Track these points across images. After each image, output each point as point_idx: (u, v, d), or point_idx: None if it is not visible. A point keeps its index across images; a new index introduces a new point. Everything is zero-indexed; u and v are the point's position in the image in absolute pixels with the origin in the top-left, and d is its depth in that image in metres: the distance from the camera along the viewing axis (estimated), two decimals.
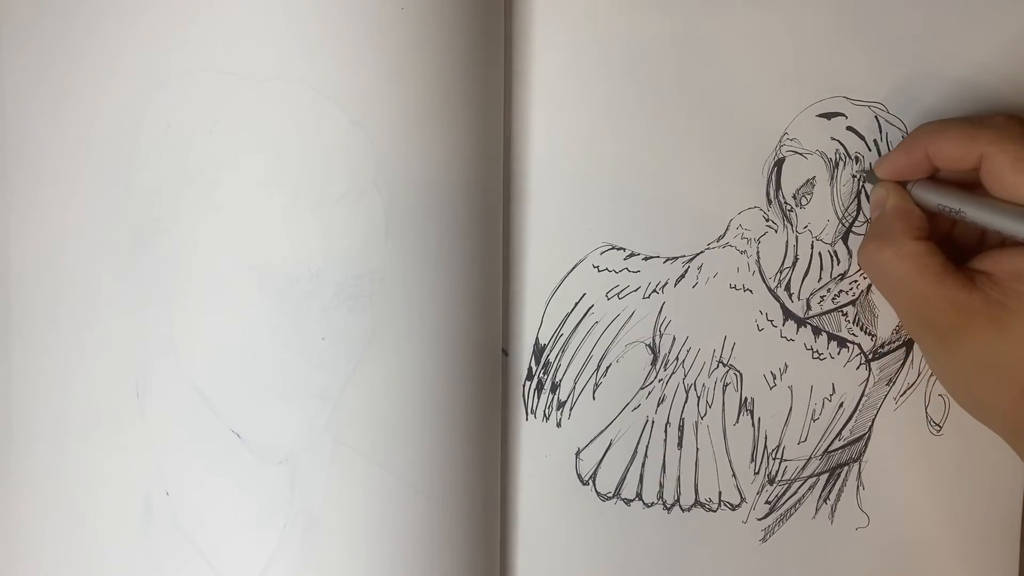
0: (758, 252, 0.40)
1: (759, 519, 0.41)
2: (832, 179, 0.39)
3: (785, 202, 0.40)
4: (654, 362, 0.40)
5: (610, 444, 0.40)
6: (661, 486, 0.40)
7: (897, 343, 0.40)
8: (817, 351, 0.40)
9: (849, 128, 0.39)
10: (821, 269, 0.40)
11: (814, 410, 0.40)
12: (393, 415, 0.36)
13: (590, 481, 0.41)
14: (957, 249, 0.37)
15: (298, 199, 0.34)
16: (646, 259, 0.40)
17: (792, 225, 0.40)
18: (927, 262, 0.34)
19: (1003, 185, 0.33)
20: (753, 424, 0.40)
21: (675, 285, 0.40)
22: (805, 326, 0.40)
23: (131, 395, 0.37)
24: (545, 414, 0.41)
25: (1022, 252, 0.33)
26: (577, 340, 0.40)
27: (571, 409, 0.41)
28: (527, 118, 0.39)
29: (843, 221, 0.40)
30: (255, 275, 0.35)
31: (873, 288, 0.40)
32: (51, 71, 0.36)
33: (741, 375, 0.40)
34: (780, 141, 0.39)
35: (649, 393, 0.40)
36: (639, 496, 0.41)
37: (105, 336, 0.37)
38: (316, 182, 0.34)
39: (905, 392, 0.41)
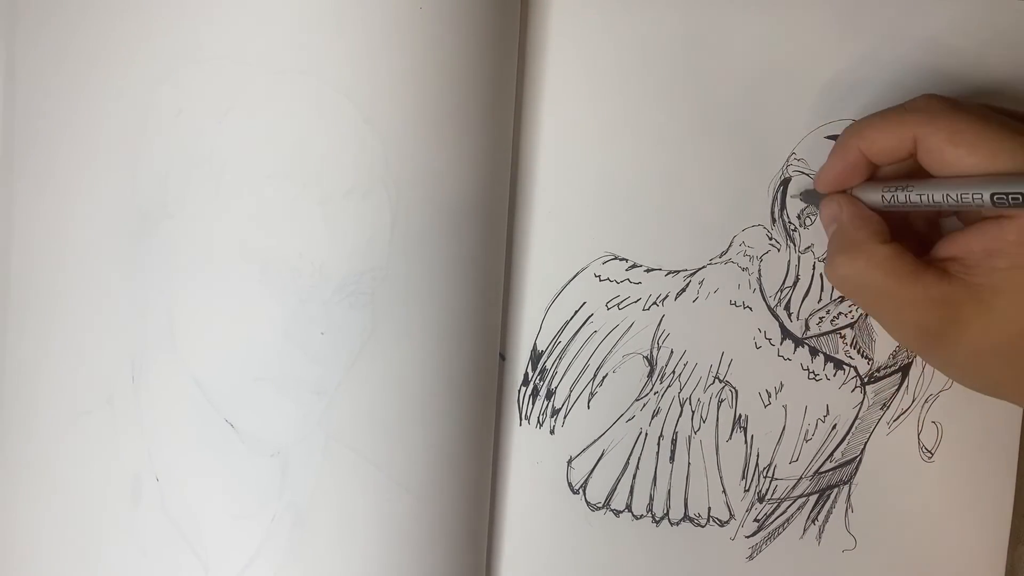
0: (760, 270, 0.40)
1: (747, 536, 0.41)
2: None
3: (789, 222, 0.40)
4: (650, 374, 0.40)
5: (602, 454, 0.40)
6: (651, 499, 0.40)
7: (893, 368, 0.40)
8: (813, 372, 0.40)
9: None
10: (821, 290, 0.40)
11: (807, 430, 0.41)
12: (388, 413, 0.36)
13: (580, 490, 0.41)
14: (911, 247, 0.36)
15: (305, 193, 0.34)
16: (648, 271, 0.40)
17: (795, 245, 0.40)
18: (899, 263, 0.33)
19: (943, 161, 0.32)
20: (746, 441, 0.40)
21: (675, 299, 0.40)
22: (803, 346, 0.40)
23: (127, 379, 0.36)
24: (539, 420, 0.41)
25: (987, 226, 0.33)
26: (575, 348, 0.40)
27: (565, 417, 0.40)
28: (537, 124, 0.40)
29: None
30: (257, 266, 0.35)
31: None
32: (66, 52, 0.36)
33: (736, 392, 0.40)
34: (787, 161, 0.40)
35: (644, 405, 0.40)
36: (628, 508, 0.41)
37: (104, 318, 0.37)
38: (324, 177, 0.34)
39: (899, 417, 0.41)
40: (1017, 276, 0.32)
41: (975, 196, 0.31)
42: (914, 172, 0.35)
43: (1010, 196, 0.30)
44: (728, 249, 0.40)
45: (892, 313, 0.34)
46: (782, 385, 0.40)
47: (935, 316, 0.33)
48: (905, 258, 0.33)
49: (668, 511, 0.40)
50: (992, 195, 0.30)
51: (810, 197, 0.39)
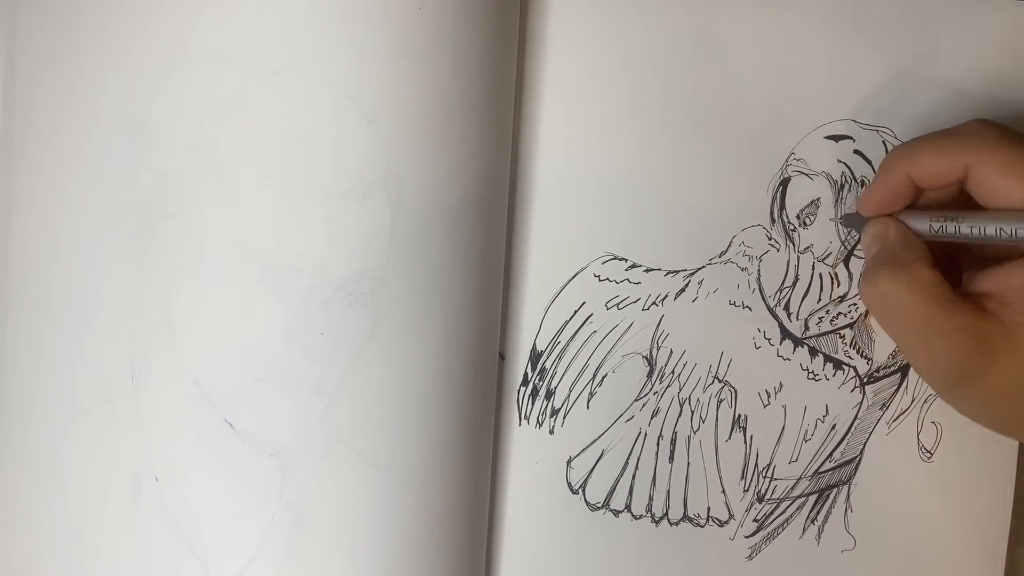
0: (759, 270, 0.40)
1: (746, 537, 0.41)
2: (836, 202, 0.40)
3: (788, 222, 0.40)
4: (650, 374, 0.40)
5: (602, 454, 0.40)
6: (650, 499, 0.40)
7: (892, 368, 0.40)
8: (813, 372, 0.40)
9: (856, 152, 0.40)
10: (821, 290, 0.40)
11: (807, 430, 0.41)
12: (387, 413, 0.36)
13: (580, 490, 0.41)
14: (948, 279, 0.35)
15: (306, 193, 0.35)
16: (647, 271, 0.40)
17: (794, 245, 0.40)
18: (939, 291, 0.32)
19: (995, 193, 0.32)
20: (745, 441, 0.40)
21: (675, 299, 0.40)
22: (802, 346, 0.40)
23: (126, 379, 0.36)
24: (538, 420, 0.41)
25: None
26: (574, 348, 0.40)
27: (564, 417, 0.41)
28: (536, 124, 0.40)
29: (845, 244, 0.40)
30: (257, 266, 0.35)
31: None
32: (65, 51, 0.36)
33: (736, 392, 0.40)
34: (787, 161, 0.40)
35: (643, 405, 0.40)
36: (628, 508, 0.41)
37: (103, 318, 0.37)
38: (325, 177, 0.34)
39: (898, 417, 0.41)
40: None
41: None
42: (955, 199, 0.34)
43: None
44: (727, 249, 0.40)
45: (923, 341, 0.33)
46: (781, 385, 0.40)
47: (966, 351, 0.32)
48: (946, 287, 0.32)
49: (667, 511, 0.40)
50: None
51: (852, 221, 0.38)
